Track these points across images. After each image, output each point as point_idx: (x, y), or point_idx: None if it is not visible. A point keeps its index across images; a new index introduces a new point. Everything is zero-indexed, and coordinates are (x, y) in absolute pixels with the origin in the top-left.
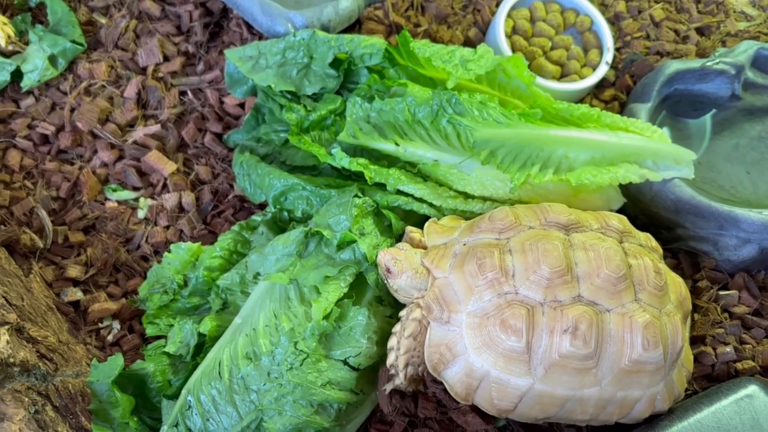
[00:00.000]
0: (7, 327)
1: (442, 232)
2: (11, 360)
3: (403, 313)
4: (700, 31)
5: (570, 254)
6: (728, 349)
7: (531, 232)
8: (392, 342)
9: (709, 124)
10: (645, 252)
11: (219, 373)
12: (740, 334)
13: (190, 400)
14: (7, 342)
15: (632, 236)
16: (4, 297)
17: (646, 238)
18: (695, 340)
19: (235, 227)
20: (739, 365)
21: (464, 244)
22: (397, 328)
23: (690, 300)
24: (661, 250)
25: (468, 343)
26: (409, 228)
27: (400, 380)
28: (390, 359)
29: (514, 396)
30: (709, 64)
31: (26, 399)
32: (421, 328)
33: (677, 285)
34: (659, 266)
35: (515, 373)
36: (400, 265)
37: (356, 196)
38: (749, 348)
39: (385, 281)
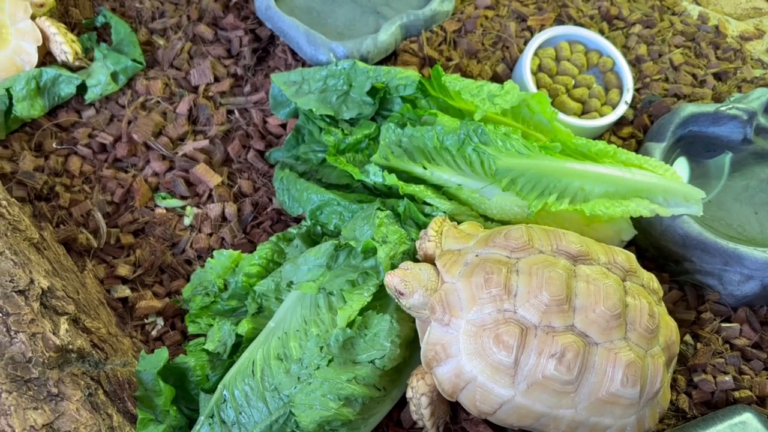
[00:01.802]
0: (66, 317)
1: (459, 237)
2: (70, 346)
3: (410, 393)
4: (717, 76)
5: (572, 284)
6: (727, 378)
7: (540, 257)
8: (415, 416)
9: (728, 165)
10: (645, 293)
11: (252, 371)
12: (740, 364)
13: (225, 395)
14: (66, 330)
15: (636, 276)
16: (63, 290)
17: (650, 279)
18: (696, 368)
19: (273, 238)
20: (737, 394)
21: (476, 255)
22: (411, 408)
23: (678, 344)
24: (661, 293)
25: (462, 348)
26: (430, 228)
27: None
28: (423, 426)
29: (495, 403)
30: (723, 108)
31: (82, 382)
32: (432, 396)
33: (669, 329)
34: (654, 309)
35: (500, 383)
36: (410, 286)
37: (379, 209)
38: (747, 378)
39: (398, 302)
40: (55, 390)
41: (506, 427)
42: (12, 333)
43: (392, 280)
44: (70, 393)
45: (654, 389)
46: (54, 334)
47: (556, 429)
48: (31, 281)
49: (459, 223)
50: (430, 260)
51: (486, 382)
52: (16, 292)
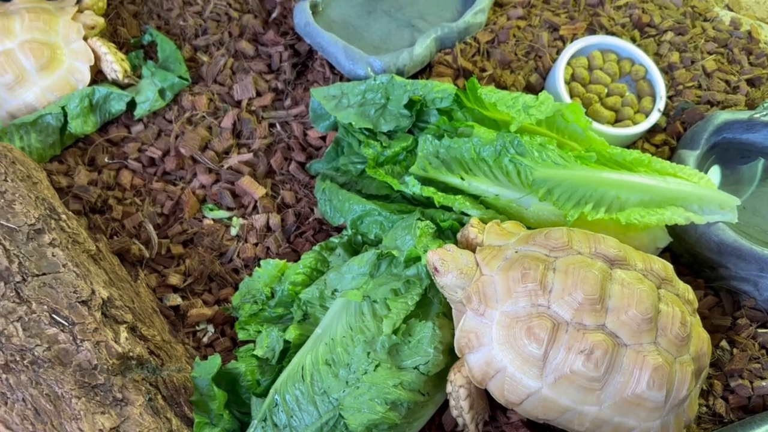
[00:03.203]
0: (125, 325)
1: (501, 234)
2: (130, 354)
3: (449, 387)
4: (750, 82)
5: (607, 286)
6: (764, 383)
7: (577, 258)
8: (454, 412)
9: (760, 171)
10: (679, 302)
11: (302, 376)
12: None
13: (276, 399)
14: (126, 338)
15: (671, 285)
16: (120, 299)
17: (685, 290)
18: (733, 373)
19: (316, 247)
20: None
21: (516, 252)
22: (453, 399)
23: (709, 357)
24: (696, 304)
25: (495, 337)
26: (472, 221)
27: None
28: (459, 422)
29: (523, 393)
30: (756, 115)
31: (143, 388)
32: (470, 388)
33: (701, 340)
34: (687, 318)
35: (528, 374)
36: (446, 266)
37: (419, 219)
38: None
39: (433, 278)
40: (119, 395)
41: (537, 422)
42: (78, 342)
43: (433, 256)
44: (133, 398)
45: (680, 396)
46: (115, 342)
47: (580, 425)
48: (93, 292)
49: None
50: (470, 247)
51: (515, 372)
52: (79, 302)
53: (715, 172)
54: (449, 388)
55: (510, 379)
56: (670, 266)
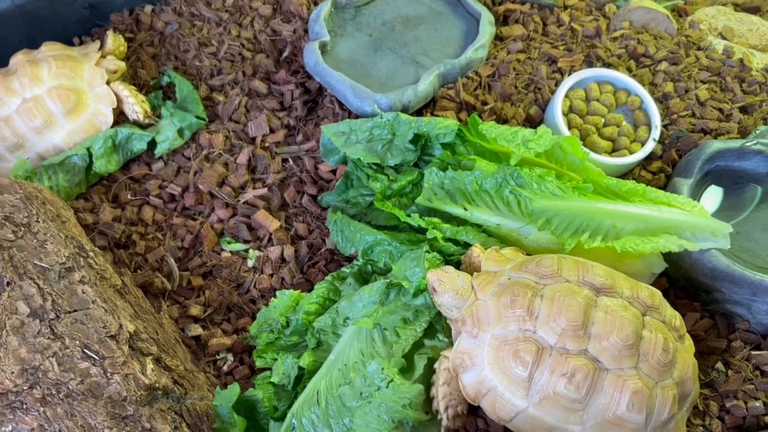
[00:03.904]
0: (151, 357)
1: (498, 261)
2: (156, 384)
3: (436, 365)
4: (743, 109)
5: (590, 313)
6: (758, 403)
7: (564, 285)
8: (433, 391)
9: (758, 198)
10: (664, 329)
11: (317, 400)
12: None
13: (293, 423)
14: (152, 369)
15: (658, 312)
16: (146, 332)
17: (672, 317)
18: (728, 394)
19: (328, 277)
20: (767, 419)
21: (509, 278)
22: (434, 378)
23: (694, 383)
24: (683, 331)
25: (486, 358)
26: (474, 247)
27: (445, 422)
28: (434, 405)
29: (512, 411)
30: (747, 144)
31: (168, 417)
32: (452, 376)
33: (687, 366)
34: (670, 345)
35: (516, 394)
36: (443, 286)
37: (427, 251)
38: None
39: (431, 297)
40: (148, 425)
41: None
42: (108, 375)
43: (432, 277)
44: (160, 427)
45: (661, 418)
46: (142, 373)
47: None
48: (120, 326)
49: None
50: (473, 269)
51: (504, 392)
52: (108, 337)
53: (717, 194)
54: (436, 365)
55: (500, 397)
56: (658, 293)
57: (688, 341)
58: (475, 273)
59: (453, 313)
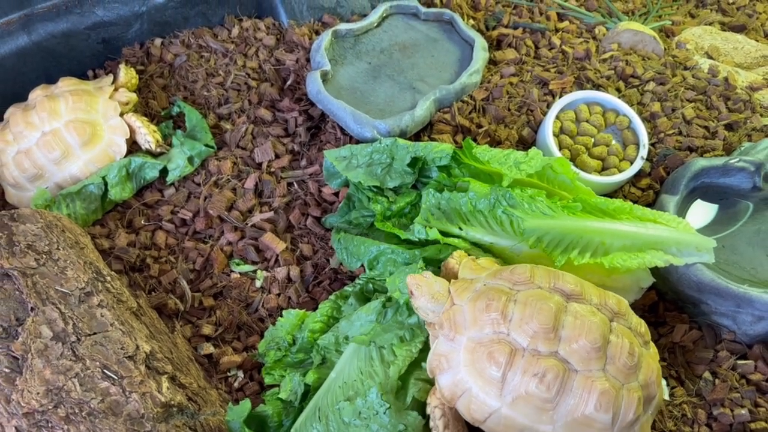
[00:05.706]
0: (166, 375)
1: (474, 269)
2: (172, 402)
3: (428, 409)
4: (728, 126)
5: (561, 317)
6: (744, 411)
7: (536, 291)
8: (431, 425)
9: (749, 214)
10: (629, 335)
11: (318, 417)
12: (755, 398)
13: None
14: (168, 387)
15: (624, 318)
16: (161, 351)
17: (638, 324)
18: (715, 402)
19: (332, 297)
20: (753, 425)
21: (485, 285)
22: (430, 424)
23: (658, 386)
24: (648, 337)
25: (462, 360)
26: (454, 254)
27: None
28: None
29: (485, 411)
30: (731, 162)
31: None
32: (445, 409)
33: (651, 370)
34: (636, 349)
35: (490, 394)
36: (420, 290)
37: (421, 268)
38: (763, 411)
39: (409, 300)
40: None
41: None
42: (127, 393)
43: (410, 281)
44: None
45: (627, 419)
46: (159, 392)
47: None
48: (137, 347)
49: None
50: (452, 276)
51: (479, 392)
52: (126, 357)
53: (709, 209)
54: (428, 410)
55: (475, 398)
56: (624, 301)
57: (653, 348)
58: (452, 280)
59: (429, 317)
